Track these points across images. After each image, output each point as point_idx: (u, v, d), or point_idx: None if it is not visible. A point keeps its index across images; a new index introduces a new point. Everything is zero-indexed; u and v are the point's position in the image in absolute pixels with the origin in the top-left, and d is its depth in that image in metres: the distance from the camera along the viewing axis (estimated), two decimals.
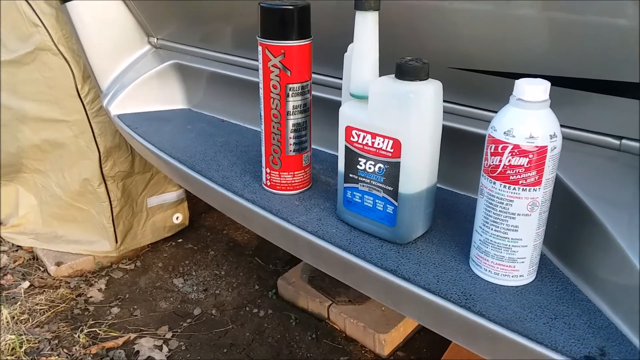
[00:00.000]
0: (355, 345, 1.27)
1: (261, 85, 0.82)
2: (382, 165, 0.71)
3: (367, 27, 0.69)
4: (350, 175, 0.75)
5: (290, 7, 0.77)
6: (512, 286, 0.65)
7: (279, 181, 0.86)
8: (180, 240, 1.67)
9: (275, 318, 1.35)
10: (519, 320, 0.59)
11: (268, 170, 0.87)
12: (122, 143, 1.43)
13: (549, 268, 0.69)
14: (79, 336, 1.27)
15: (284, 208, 0.83)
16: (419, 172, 0.70)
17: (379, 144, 0.70)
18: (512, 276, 0.64)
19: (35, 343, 1.24)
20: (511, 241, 0.62)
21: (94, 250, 1.51)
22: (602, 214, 0.62)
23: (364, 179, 0.74)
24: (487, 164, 0.62)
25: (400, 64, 0.67)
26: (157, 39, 1.27)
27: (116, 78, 1.25)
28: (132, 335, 1.28)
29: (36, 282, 1.44)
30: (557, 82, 0.63)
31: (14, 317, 1.31)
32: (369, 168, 0.72)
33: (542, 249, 0.67)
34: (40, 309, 1.35)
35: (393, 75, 0.68)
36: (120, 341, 1.26)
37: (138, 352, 1.24)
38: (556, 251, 0.70)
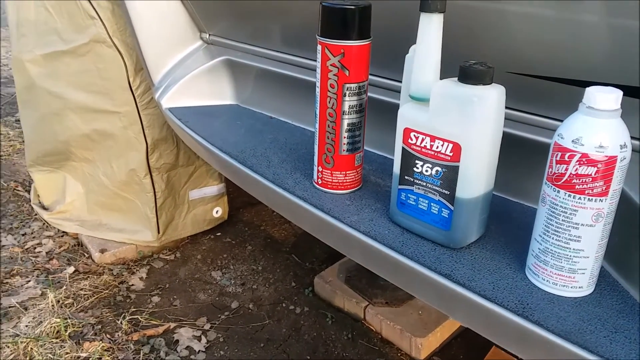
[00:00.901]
0: (391, 348, 1.26)
1: (318, 84, 0.82)
2: (439, 169, 0.70)
3: (431, 29, 0.68)
4: (406, 177, 0.75)
5: (352, 7, 0.77)
6: (571, 297, 0.64)
7: (330, 180, 0.87)
8: (218, 233, 1.69)
9: (311, 316, 1.36)
10: (579, 332, 0.58)
11: (320, 169, 0.87)
12: (169, 136, 1.46)
13: (608, 281, 0.67)
14: (121, 322, 1.30)
15: (335, 207, 0.83)
16: (478, 177, 0.69)
17: (437, 147, 0.70)
18: (571, 287, 0.63)
19: (79, 327, 1.28)
20: (573, 251, 0.61)
21: (136, 240, 1.54)
22: None
23: (419, 182, 0.74)
24: (551, 172, 0.61)
25: (464, 67, 0.66)
26: (209, 35, 1.29)
27: (168, 72, 1.27)
28: (172, 325, 1.31)
29: (81, 268, 1.48)
30: (625, 91, 0.62)
31: (59, 301, 1.35)
32: (426, 171, 0.72)
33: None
34: (85, 294, 1.39)
35: (455, 78, 0.68)
36: (160, 329, 1.29)
37: (177, 341, 1.26)
38: (616, 264, 0.69)
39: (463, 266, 0.69)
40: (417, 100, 0.72)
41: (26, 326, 1.27)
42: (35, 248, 1.57)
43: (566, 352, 0.57)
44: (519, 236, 0.74)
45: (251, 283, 1.48)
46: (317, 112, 0.84)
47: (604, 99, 0.57)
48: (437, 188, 0.72)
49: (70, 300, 1.36)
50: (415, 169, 0.73)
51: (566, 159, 0.59)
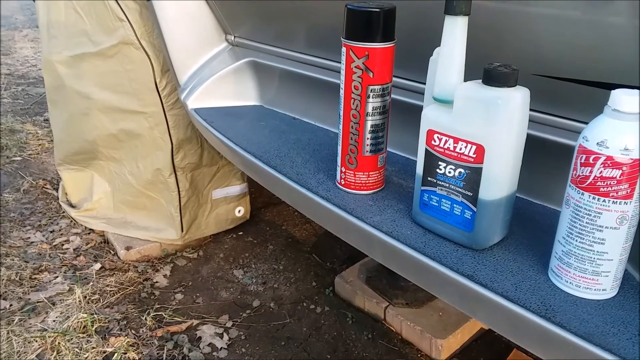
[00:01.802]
0: (411, 349, 1.27)
1: (342, 86, 0.83)
2: (462, 170, 0.71)
3: (456, 31, 0.69)
4: (429, 178, 0.76)
5: (377, 10, 0.78)
6: (594, 300, 0.64)
7: (353, 180, 0.88)
8: (240, 233, 1.71)
9: (331, 315, 1.37)
10: (602, 335, 0.58)
11: (343, 170, 0.88)
12: (193, 136, 1.48)
13: (632, 284, 0.67)
14: (145, 319, 1.32)
15: (358, 207, 0.84)
16: (501, 178, 0.69)
17: (461, 148, 0.70)
18: (595, 290, 0.63)
19: (105, 322, 1.31)
20: (596, 254, 0.61)
21: (160, 238, 1.57)
22: None
23: (442, 183, 0.74)
24: (575, 174, 0.61)
25: (488, 69, 0.67)
26: (235, 36, 1.31)
27: (194, 73, 1.29)
28: (195, 322, 1.33)
29: (107, 265, 1.52)
30: None
31: (85, 297, 1.39)
32: (449, 172, 0.73)
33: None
34: (110, 290, 1.42)
35: (480, 81, 0.68)
36: (183, 326, 1.31)
37: (200, 338, 1.28)
38: None
39: (485, 267, 0.70)
40: (440, 102, 0.73)
41: (54, 321, 1.30)
42: (63, 245, 1.61)
43: (588, 354, 0.57)
44: (542, 238, 0.74)
45: (272, 282, 1.49)
46: (341, 114, 0.85)
47: (630, 102, 0.57)
48: (460, 189, 0.72)
49: (96, 296, 1.40)
50: (438, 170, 0.74)
51: (591, 161, 0.59)
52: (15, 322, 1.29)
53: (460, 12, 0.68)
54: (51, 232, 1.67)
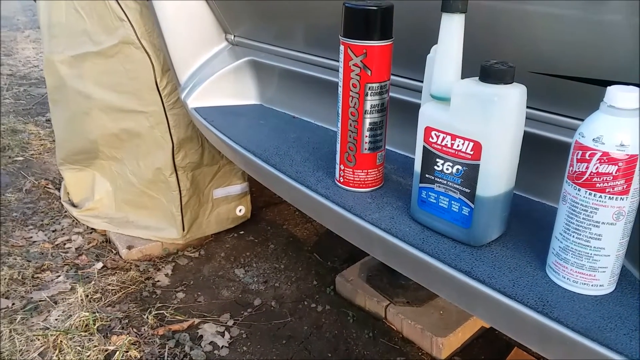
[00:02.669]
0: (412, 347, 1.27)
1: (341, 84, 0.84)
2: (460, 167, 0.71)
3: (453, 29, 0.69)
4: (427, 175, 0.76)
5: (375, 8, 0.78)
6: (591, 295, 0.64)
7: (352, 178, 0.88)
8: (242, 232, 1.72)
9: (332, 314, 1.37)
10: (599, 330, 0.59)
11: (342, 167, 0.89)
12: (194, 135, 1.49)
13: (630, 280, 0.67)
14: (147, 317, 1.33)
15: (357, 205, 0.84)
16: (498, 175, 0.70)
17: (458, 145, 0.70)
18: (592, 285, 0.64)
19: (107, 321, 1.31)
20: (593, 250, 0.62)
21: (162, 237, 1.57)
22: None
23: (440, 180, 0.74)
24: (572, 171, 0.61)
25: (485, 66, 0.67)
26: (234, 36, 1.31)
27: (194, 72, 1.30)
28: (196, 320, 1.33)
29: (109, 264, 1.52)
30: None
31: (87, 296, 1.39)
32: (447, 169, 0.73)
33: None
34: (112, 289, 1.43)
35: (477, 78, 0.69)
36: (185, 325, 1.31)
37: (202, 336, 1.28)
38: (637, 263, 0.68)
39: (483, 263, 0.70)
40: (438, 99, 0.73)
41: (56, 319, 1.31)
42: (65, 244, 1.61)
43: (586, 349, 0.58)
44: (540, 234, 0.74)
45: (273, 281, 1.50)
46: (340, 112, 0.86)
47: (626, 98, 0.57)
48: (457, 186, 0.72)
49: (98, 295, 1.40)
50: (436, 167, 0.74)
51: (587, 157, 0.59)
52: (17, 320, 1.30)
53: (457, 10, 0.68)
54: (53, 231, 1.67)
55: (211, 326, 1.32)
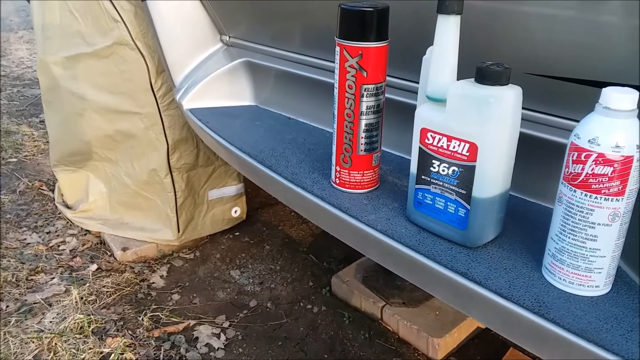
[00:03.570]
0: (407, 348, 1.27)
1: (336, 85, 0.84)
2: (456, 168, 0.71)
3: (448, 30, 0.69)
4: (423, 177, 0.76)
5: (370, 9, 0.78)
6: (587, 296, 0.64)
7: (348, 179, 0.88)
8: (237, 233, 1.72)
9: (328, 315, 1.37)
10: (595, 331, 0.59)
11: (338, 169, 0.88)
12: (189, 136, 1.48)
13: (625, 280, 0.68)
14: (142, 319, 1.32)
15: (353, 206, 0.84)
16: (494, 176, 0.70)
17: (454, 147, 0.70)
18: (588, 286, 0.64)
19: (102, 323, 1.31)
20: (589, 251, 0.62)
21: (157, 238, 1.57)
22: None
23: (436, 181, 0.74)
24: (567, 172, 0.62)
25: (481, 68, 0.67)
26: (229, 37, 1.31)
27: (189, 74, 1.30)
28: (192, 322, 1.33)
29: (103, 266, 1.51)
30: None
31: (82, 298, 1.38)
32: (443, 170, 0.73)
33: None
34: (107, 291, 1.42)
35: (472, 79, 0.69)
36: (180, 327, 1.31)
37: (197, 338, 1.28)
38: (633, 264, 0.69)
39: (479, 265, 0.70)
40: (434, 100, 0.73)
41: (50, 322, 1.30)
42: (59, 246, 1.61)
43: (582, 350, 0.58)
44: (536, 236, 0.74)
45: (269, 282, 1.49)
46: (335, 113, 0.86)
47: (621, 99, 0.57)
48: (453, 187, 0.72)
49: (93, 297, 1.39)
50: (432, 168, 0.74)
51: (582, 158, 0.59)
52: (12, 323, 1.29)
53: (452, 12, 0.68)
54: (47, 233, 1.66)
55: (207, 328, 1.31)
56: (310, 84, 1.13)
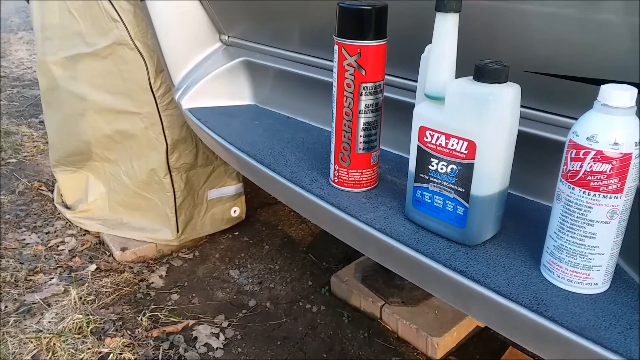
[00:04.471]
0: (407, 347, 1.27)
1: (335, 84, 0.84)
2: (454, 167, 0.71)
3: (447, 28, 0.69)
4: (421, 175, 0.76)
5: (369, 8, 0.78)
6: (586, 294, 0.64)
7: (347, 178, 0.88)
8: (236, 233, 1.71)
9: (327, 315, 1.37)
10: (593, 329, 0.59)
11: (337, 167, 0.88)
12: (188, 136, 1.48)
13: (624, 278, 0.68)
14: (141, 319, 1.32)
15: (352, 205, 0.84)
16: (493, 174, 0.70)
17: (453, 145, 0.70)
18: (586, 284, 0.64)
19: (101, 323, 1.31)
20: (587, 248, 0.62)
21: (156, 238, 1.57)
22: None
23: (435, 180, 0.74)
24: (566, 169, 0.61)
25: (479, 66, 0.67)
26: (228, 36, 1.31)
27: (188, 73, 1.30)
28: (191, 322, 1.33)
29: (102, 266, 1.51)
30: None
31: (81, 298, 1.38)
32: (441, 169, 0.73)
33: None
34: (106, 291, 1.42)
35: (471, 77, 0.69)
36: (179, 326, 1.31)
37: (196, 338, 1.28)
38: (632, 261, 0.69)
39: (478, 263, 0.70)
40: (432, 99, 0.73)
41: (49, 322, 1.30)
42: (58, 246, 1.60)
43: (580, 348, 0.58)
44: (534, 234, 0.74)
45: (268, 282, 1.49)
46: (334, 112, 0.86)
47: (619, 97, 0.57)
48: (452, 186, 0.72)
49: (92, 297, 1.39)
50: (430, 166, 0.74)
51: (581, 156, 0.59)
52: (10, 323, 1.29)
53: (451, 10, 0.68)
54: (46, 233, 1.66)
55: (206, 327, 1.31)
56: (309, 83, 1.13)
